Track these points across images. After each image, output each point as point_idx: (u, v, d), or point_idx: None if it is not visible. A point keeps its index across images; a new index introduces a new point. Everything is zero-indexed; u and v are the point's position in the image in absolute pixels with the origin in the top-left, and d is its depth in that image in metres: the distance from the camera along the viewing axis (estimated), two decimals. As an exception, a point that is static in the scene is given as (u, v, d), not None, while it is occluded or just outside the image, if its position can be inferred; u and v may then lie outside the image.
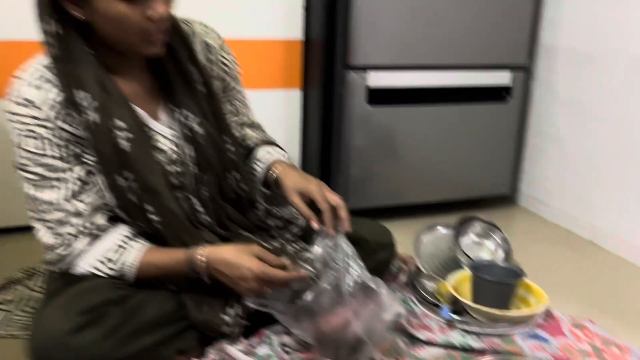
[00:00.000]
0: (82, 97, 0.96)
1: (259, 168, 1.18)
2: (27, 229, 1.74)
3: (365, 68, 1.81)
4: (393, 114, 1.90)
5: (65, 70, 0.96)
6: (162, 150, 1.06)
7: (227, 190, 1.12)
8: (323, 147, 1.95)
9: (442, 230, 1.61)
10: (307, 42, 1.93)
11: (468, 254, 1.48)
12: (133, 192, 1.01)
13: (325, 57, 1.85)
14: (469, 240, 1.58)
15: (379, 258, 1.27)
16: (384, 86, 1.86)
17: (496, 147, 2.08)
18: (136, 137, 1.00)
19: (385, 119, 1.89)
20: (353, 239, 1.16)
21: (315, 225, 1.06)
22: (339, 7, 1.80)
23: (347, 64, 1.80)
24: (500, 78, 2.00)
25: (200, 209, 1.09)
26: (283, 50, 1.92)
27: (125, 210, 1.04)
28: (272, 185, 1.16)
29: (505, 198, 2.27)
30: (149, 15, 0.93)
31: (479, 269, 1.30)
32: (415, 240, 1.56)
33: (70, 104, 0.97)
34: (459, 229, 1.55)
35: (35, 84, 0.96)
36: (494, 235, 1.60)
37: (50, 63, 0.97)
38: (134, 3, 0.91)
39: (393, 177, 1.97)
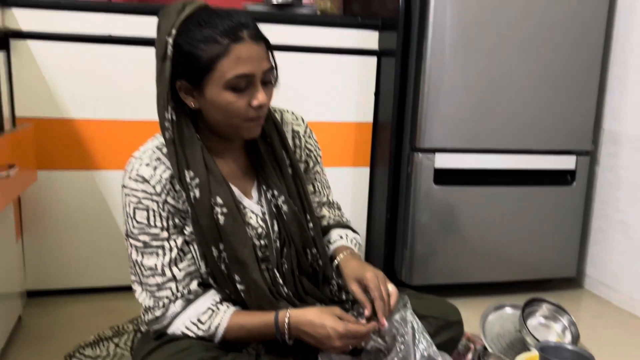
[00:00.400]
0: (189, 176, 1.09)
1: (329, 250, 1.28)
2: (115, 290, 1.91)
3: (432, 150, 1.91)
4: (459, 193, 1.97)
5: (177, 151, 1.09)
6: (251, 225, 1.17)
7: (305, 265, 1.22)
8: (389, 223, 2.03)
9: (508, 310, 1.63)
10: (377, 125, 2.06)
11: (535, 335, 1.49)
12: (223, 262, 1.12)
13: (393, 139, 1.96)
14: (536, 321, 1.59)
15: (447, 335, 1.31)
16: (450, 167, 1.94)
17: (561, 229, 2.10)
18: (231, 213, 1.11)
19: (451, 198, 1.96)
20: (421, 315, 1.22)
21: (367, 312, 1.12)
22: (408, 93, 1.93)
23: (415, 146, 1.91)
24: (565, 162, 2.05)
25: (281, 281, 1.18)
26: (355, 132, 2.05)
27: (214, 278, 1.15)
28: (335, 270, 1.24)
29: (571, 280, 2.25)
30: (251, 103, 1.07)
31: (547, 351, 1.31)
32: (482, 320, 1.58)
33: (178, 181, 1.10)
34: (526, 310, 1.56)
35: (149, 162, 1.10)
36: (561, 318, 1.60)
37: (162, 144, 1.12)
38: (240, 92, 1.06)
39: (458, 255, 2.01)
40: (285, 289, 1.18)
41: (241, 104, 1.06)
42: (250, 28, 1.05)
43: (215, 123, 1.11)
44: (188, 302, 1.13)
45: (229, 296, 1.16)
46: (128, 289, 1.17)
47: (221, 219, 1.10)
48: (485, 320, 1.58)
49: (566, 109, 2.00)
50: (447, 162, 1.93)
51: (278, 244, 1.19)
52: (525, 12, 1.90)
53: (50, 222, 1.85)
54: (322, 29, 1.96)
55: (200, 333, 1.12)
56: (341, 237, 1.29)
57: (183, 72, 1.06)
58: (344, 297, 1.28)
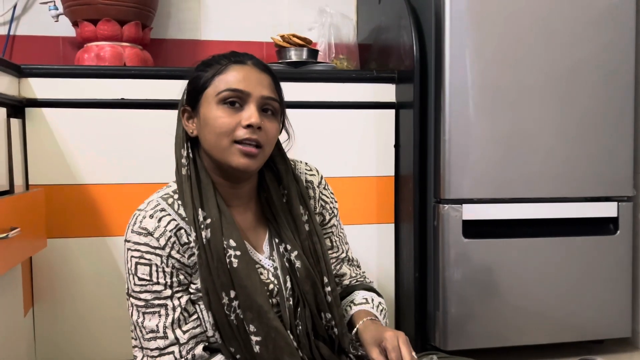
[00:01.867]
0: (202, 215, 1.03)
1: (351, 310, 1.17)
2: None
3: (459, 202, 1.80)
4: (492, 247, 1.84)
5: (191, 188, 1.05)
6: (262, 281, 1.07)
7: (321, 329, 1.11)
8: (418, 282, 1.89)
9: (557, 373, 1.46)
10: (398, 178, 1.98)
11: (590, 401, 1.31)
12: (234, 312, 1.02)
13: (417, 191, 1.87)
14: (590, 385, 1.42)
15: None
16: (480, 218, 1.82)
17: (608, 284, 1.92)
18: (244, 257, 1.03)
19: (484, 252, 1.83)
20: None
21: None
22: (429, 144, 1.85)
23: (440, 198, 1.81)
24: (605, 210, 1.91)
25: (295, 344, 1.07)
26: (377, 186, 1.97)
27: (222, 332, 1.03)
28: (354, 337, 1.13)
29: (626, 341, 2.04)
30: (241, 123, 1.02)
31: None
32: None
33: (191, 220, 1.03)
34: (577, 373, 1.40)
35: (152, 214, 1.04)
36: (619, 381, 1.42)
37: (167, 194, 1.07)
38: (231, 110, 1.02)
39: (496, 315, 1.85)
40: (300, 354, 1.06)
41: (230, 120, 1.02)
42: (254, 59, 1.05)
43: (208, 148, 1.05)
44: (192, 369, 1.02)
45: (234, 356, 1.04)
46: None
47: (234, 261, 1.02)
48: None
49: (601, 153, 1.88)
50: (476, 213, 1.82)
51: (291, 303, 1.09)
52: (549, 57, 1.83)
53: (63, 293, 1.77)
54: (338, 84, 1.93)
55: (205, 402, 1.00)
56: (366, 301, 1.18)
57: (187, 98, 1.07)
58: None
